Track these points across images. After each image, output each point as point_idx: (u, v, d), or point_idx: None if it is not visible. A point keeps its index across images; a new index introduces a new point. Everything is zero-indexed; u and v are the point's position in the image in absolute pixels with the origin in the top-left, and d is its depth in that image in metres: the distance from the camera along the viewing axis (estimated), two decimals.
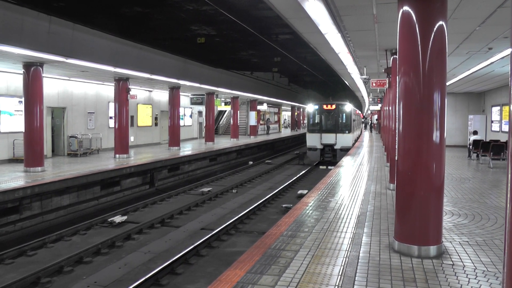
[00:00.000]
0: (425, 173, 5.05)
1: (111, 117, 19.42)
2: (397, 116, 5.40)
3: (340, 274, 4.45)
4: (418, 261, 4.85)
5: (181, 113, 25.08)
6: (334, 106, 22.41)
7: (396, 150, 5.48)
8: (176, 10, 16.92)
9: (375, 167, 14.10)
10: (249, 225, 10.49)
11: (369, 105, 36.56)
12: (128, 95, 16.93)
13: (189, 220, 10.91)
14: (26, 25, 10.17)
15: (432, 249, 5.02)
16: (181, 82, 18.71)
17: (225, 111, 37.95)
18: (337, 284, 4.19)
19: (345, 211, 7.42)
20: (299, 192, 13.68)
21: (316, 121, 22.87)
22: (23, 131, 12.74)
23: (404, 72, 5.16)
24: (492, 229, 6.29)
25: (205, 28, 19.79)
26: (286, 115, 57.50)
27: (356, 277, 4.36)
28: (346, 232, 6.08)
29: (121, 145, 16.85)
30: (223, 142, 26.11)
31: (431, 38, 4.90)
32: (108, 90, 19.41)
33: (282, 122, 50.75)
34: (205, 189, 14.46)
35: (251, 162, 23.23)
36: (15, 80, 14.37)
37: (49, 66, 12.96)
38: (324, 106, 22.60)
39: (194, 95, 24.60)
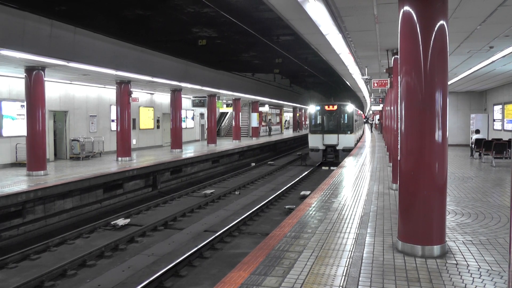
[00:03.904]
0: (428, 172, 5.05)
1: (113, 120, 19.47)
2: (399, 116, 5.40)
3: (344, 274, 4.45)
4: (422, 261, 4.84)
5: (183, 115, 25.13)
6: (335, 107, 22.43)
7: (399, 150, 5.47)
8: (177, 13, 16.92)
9: (378, 167, 14.08)
10: (252, 226, 10.49)
11: (370, 105, 36.52)
12: (130, 98, 16.97)
13: (192, 222, 10.91)
14: (28, 29, 10.20)
15: (436, 249, 5.01)
16: (183, 84, 18.73)
17: (227, 113, 37.99)
18: (341, 284, 4.18)
19: (348, 212, 7.41)
20: (302, 193, 13.67)
21: (318, 122, 22.89)
22: (26, 135, 12.77)
23: (406, 72, 5.16)
24: (496, 228, 6.27)
25: (206, 30, 19.79)
26: (288, 116, 57.51)
27: (360, 278, 4.35)
28: (349, 232, 6.08)
29: (123, 148, 16.88)
30: (225, 144, 26.12)
31: (432, 37, 4.90)
32: (109, 93, 19.45)
33: (284, 123, 50.73)
34: (208, 191, 14.46)
35: (253, 164, 23.24)
36: (17, 84, 14.41)
37: (51, 70, 13.00)
38: (326, 107, 22.62)
39: (195, 97, 24.63)
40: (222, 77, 22.97)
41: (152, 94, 23.41)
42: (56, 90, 16.58)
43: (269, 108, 41.93)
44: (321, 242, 5.58)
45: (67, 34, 11.45)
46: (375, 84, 13.76)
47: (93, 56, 12.49)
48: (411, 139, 5.16)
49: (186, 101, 25.72)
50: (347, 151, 21.09)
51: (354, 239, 5.72)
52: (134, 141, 20.55)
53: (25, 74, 12.46)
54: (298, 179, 17.23)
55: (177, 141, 20.98)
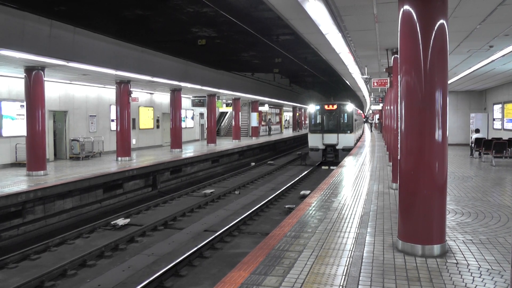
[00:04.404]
0: (428, 172, 5.04)
1: (112, 120, 19.46)
2: (399, 115, 5.40)
3: (344, 274, 4.45)
4: (422, 260, 4.84)
5: (183, 115, 25.12)
6: (335, 106, 22.42)
7: (399, 149, 5.47)
8: (176, 13, 16.94)
9: (378, 166, 14.08)
10: (252, 226, 10.48)
11: (370, 105, 36.53)
12: (130, 98, 16.96)
13: (192, 222, 10.91)
14: (27, 29, 10.20)
15: (436, 248, 5.01)
16: (182, 84, 18.73)
17: (227, 112, 37.97)
18: (341, 284, 4.18)
19: (348, 211, 7.41)
20: (302, 192, 13.67)
21: (317, 122, 22.89)
22: (25, 135, 12.77)
23: (406, 71, 5.16)
24: (496, 227, 6.27)
25: (206, 30, 19.82)
26: (287, 115, 57.53)
27: (360, 277, 4.35)
28: (349, 232, 6.07)
29: (123, 148, 16.88)
30: (225, 144, 26.12)
31: (432, 36, 4.90)
32: (109, 93, 19.44)
33: (283, 122, 50.73)
34: (208, 191, 14.46)
35: (253, 163, 23.23)
36: (17, 85, 14.40)
37: (51, 70, 12.99)
38: (326, 106, 22.61)
39: (195, 97, 24.64)
40: (221, 77, 22.96)
41: (152, 94, 23.40)
42: (56, 90, 16.57)
43: (269, 107, 41.93)
44: (321, 242, 5.58)
45: (66, 34, 11.45)
46: (375, 84, 13.75)
47: (93, 56, 12.49)
48: (411, 139, 5.16)
49: (186, 101, 25.72)
50: (347, 151, 21.09)
51: (354, 239, 5.72)
52: (134, 141, 20.54)
53: (24, 74, 12.45)
54: (298, 178, 17.22)
55: (176, 140, 20.98)
